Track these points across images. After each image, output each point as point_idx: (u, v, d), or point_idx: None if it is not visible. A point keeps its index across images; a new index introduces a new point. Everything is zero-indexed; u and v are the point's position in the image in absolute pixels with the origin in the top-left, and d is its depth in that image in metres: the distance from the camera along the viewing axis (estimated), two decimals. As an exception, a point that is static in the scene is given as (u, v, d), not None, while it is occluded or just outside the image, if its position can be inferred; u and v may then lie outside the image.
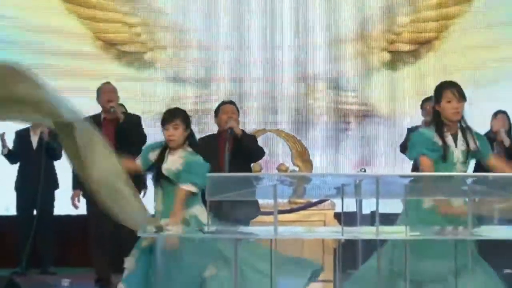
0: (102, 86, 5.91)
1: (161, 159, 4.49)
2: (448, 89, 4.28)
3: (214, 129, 5.62)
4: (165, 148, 4.52)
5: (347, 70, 8.02)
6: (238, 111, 5.54)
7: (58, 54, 7.84)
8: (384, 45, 8.05)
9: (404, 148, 6.24)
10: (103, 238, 5.78)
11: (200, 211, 4.43)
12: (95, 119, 5.76)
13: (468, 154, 4.18)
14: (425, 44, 8.04)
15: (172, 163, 4.44)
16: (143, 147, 4.73)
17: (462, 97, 4.24)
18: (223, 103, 5.58)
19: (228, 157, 5.23)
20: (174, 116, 4.48)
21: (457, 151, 4.17)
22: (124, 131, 5.68)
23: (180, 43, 8.01)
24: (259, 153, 5.51)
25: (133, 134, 5.66)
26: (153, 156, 4.54)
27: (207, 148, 5.30)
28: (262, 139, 7.02)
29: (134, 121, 5.81)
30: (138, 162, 4.58)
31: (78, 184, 5.76)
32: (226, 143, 5.30)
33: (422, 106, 6.33)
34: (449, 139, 4.19)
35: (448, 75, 7.90)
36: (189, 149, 4.51)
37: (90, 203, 5.71)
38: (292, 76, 8.00)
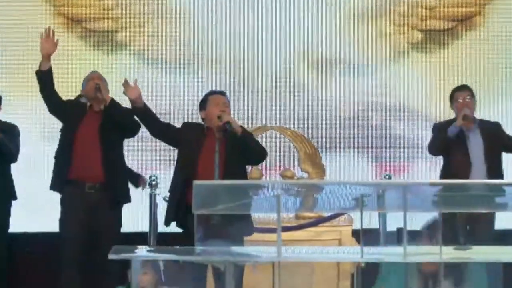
0: (89, 74, 6.04)
1: None
2: None
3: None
4: None
5: (368, 54, 8.01)
6: (229, 103, 5.55)
7: (10, 32, 7.82)
8: (414, 22, 8.03)
9: (432, 148, 6.24)
10: (76, 259, 5.81)
11: None
12: (79, 107, 5.83)
13: None
14: (464, 20, 8.03)
15: None
16: None
17: None
18: (212, 93, 5.59)
19: (218, 162, 5.23)
20: None
21: None
22: (110, 116, 5.77)
23: (161, 19, 7.99)
24: (262, 154, 5.50)
25: (123, 119, 5.76)
26: None
27: (188, 143, 5.33)
28: (263, 138, 7.01)
29: (123, 107, 5.89)
30: None
31: (58, 185, 5.82)
32: (217, 142, 5.29)
33: (452, 97, 6.34)
34: None
35: (492, 57, 7.91)
36: None
37: (66, 217, 5.75)
38: (300, 60, 7.99)
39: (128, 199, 5.86)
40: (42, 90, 5.79)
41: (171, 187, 5.46)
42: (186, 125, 5.58)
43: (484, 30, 7.98)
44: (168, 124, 5.62)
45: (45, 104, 5.86)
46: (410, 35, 8.00)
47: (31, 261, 7.27)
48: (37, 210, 7.07)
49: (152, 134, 5.63)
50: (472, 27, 8.02)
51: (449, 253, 3.82)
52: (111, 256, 3.92)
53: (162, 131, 5.56)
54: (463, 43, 7.98)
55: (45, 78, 5.75)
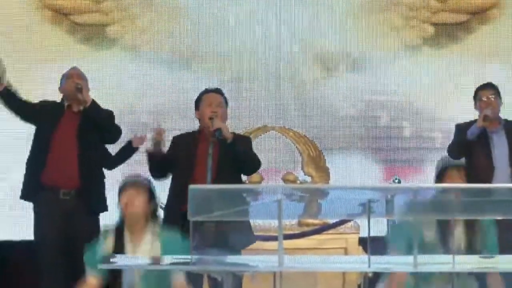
0: (68, 71, 6.02)
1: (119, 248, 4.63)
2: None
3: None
4: (120, 233, 4.64)
5: (377, 49, 8.00)
6: (226, 102, 5.54)
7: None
8: (426, 15, 8.03)
9: (453, 150, 6.24)
10: (55, 267, 5.83)
11: None
12: (56, 108, 5.83)
13: None
14: (479, 13, 8.03)
15: (143, 253, 4.57)
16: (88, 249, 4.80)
17: None
18: (206, 91, 5.59)
19: (211, 165, 5.23)
20: (135, 180, 4.80)
21: None
22: (90, 118, 5.77)
23: (155, 11, 7.99)
24: (254, 164, 5.48)
25: (103, 122, 5.77)
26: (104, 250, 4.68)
27: (184, 151, 5.32)
28: (263, 139, 7.02)
29: (105, 110, 5.89)
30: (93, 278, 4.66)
31: (27, 195, 5.83)
32: (211, 145, 5.29)
33: (475, 96, 6.34)
34: None
35: (509, 52, 7.91)
36: (157, 228, 4.72)
37: (41, 223, 5.76)
38: (303, 56, 7.99)
39: (104, 208, 5.85)
40: (6, 106, 5.83)
41: (168, 196, 5.46)
42: (175, 139, 5.57)
43: (500, 23, 7.98)
44: (165, 156, 5.54)
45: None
46: (421, 29, 8.00)
47: (17, 268, 7.30)
48: (19, 217, 7.08)
49: (156, 177, 5.55)
50: (487, 20, 8.02)
51: (463, 263, 3.81)
52: (102, 266, 3.92)
53: (164, 169, 5.51)
54: (478, 37, 7.98)
55: (5, 96, 5.78)
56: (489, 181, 5.85)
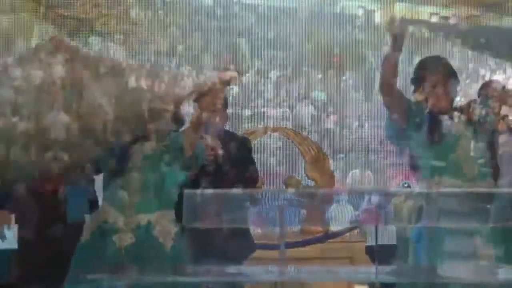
0: None
1: None
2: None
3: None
4: None
5: (383, 43, 8.02)
6: (226, 100, 5.52)
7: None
8: (436, 8, 8.06)
9: None
10: (34, 276, 5.86)
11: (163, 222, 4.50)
12: None
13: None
14: (494, 6, 8.05)
15: None
16: None
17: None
18: None
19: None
20: None
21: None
22: None
23: (148, 3, 8.00)
24: (248, 184, 5.46)
25: None
26: None
27: None
28: (263, 141, 7.00)
29: None
30: None
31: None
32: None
33: (480, 93, 6.38)
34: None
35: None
36: None
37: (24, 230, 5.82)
38: (306, 51, 8.00)
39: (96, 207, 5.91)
40: None
41: None
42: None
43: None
44: None
45: None
46: (430, 22, 8.03)
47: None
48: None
49: None
50: (502, 14, 8.04)
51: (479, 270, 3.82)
52: (90, 276, 3.93)
53: None
54: (493, 31, 8.01)
55: None
56: (495, 181, 5.89)
